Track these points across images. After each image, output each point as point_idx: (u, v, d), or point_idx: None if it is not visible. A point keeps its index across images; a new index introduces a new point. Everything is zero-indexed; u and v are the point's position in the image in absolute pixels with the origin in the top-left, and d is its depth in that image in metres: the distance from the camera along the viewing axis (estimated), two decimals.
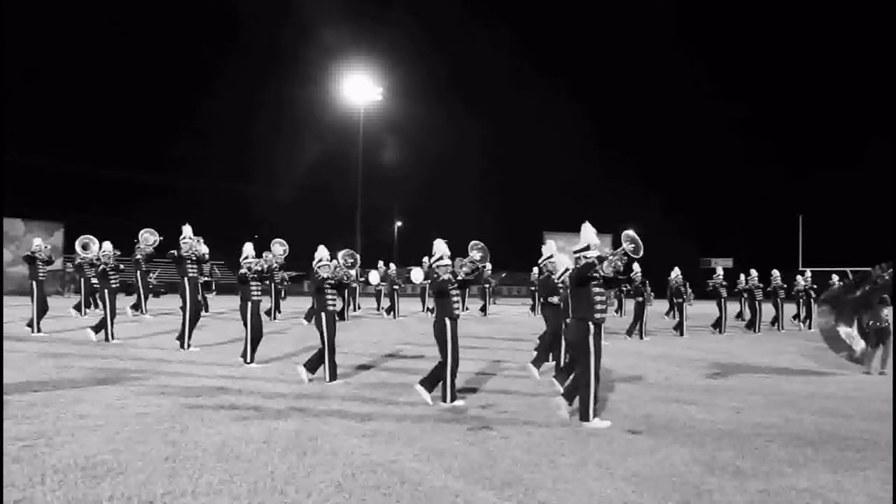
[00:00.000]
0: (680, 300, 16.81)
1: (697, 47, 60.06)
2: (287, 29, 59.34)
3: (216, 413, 6.61)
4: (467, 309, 23.13)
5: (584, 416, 6.38)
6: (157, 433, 5.76)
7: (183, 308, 11.68)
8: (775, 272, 19.36)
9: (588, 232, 6.74)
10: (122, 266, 13.60)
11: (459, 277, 7.47)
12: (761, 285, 18.58)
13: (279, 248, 14.88)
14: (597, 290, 6.50)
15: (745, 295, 19.00)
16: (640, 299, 15.50)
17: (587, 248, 6.60)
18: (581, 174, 55.64)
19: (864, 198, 41.93)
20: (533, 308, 24.49)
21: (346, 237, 33.45)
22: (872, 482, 4.84)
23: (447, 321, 7.28)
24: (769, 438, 6.05)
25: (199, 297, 12.25)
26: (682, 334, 16.37)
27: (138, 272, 17.39)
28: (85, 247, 14.95)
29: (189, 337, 11.48)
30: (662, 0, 61.89)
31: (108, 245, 13.52)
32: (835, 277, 20.71)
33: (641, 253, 6.78)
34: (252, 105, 59.18)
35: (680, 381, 9.26)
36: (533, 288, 25.34)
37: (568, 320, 8.04)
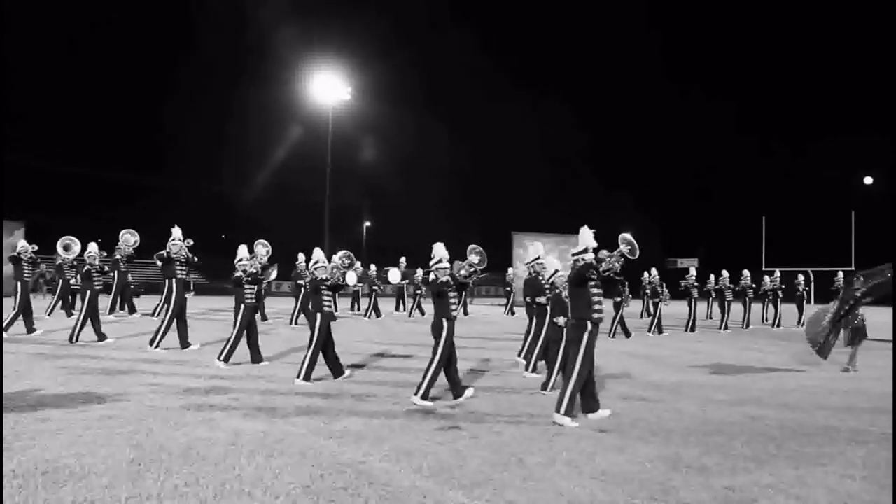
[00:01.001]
0: (656, 300, 17.09)
1: (660, 47, 61.10)
2: (256, 29, 58.79)
3: (182, 415, 6.53)
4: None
5: (557, 408, 6.49)
6: (122, 436, 5.67)
7: (167, 308, 11.61)
8: (746, 272, 19.74)
9: (586, 235, 6.94)
10: (106, 268, 13.55)
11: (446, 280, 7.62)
12: (732, 286, 18.94)
13: (262, 248, 14.81)
14: (595, 290, 6.71)
15: (714, 295, 19.36)
16: (619, 300, 15.69)
17: (585, 250, 6.84)
18: (549, 175, 56.09)
19: (826, 199, 42.88)
20: (511, 309, 24.45)
21: (315, 236, 33.24)
22: (832, 476, 4.96)
23: (444, 322, 7.50)
24: (733, 435, 6.16)
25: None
26: (650, 331, 16.64)
27: (116, 272, 17.29)
28: (67, 248, 14.74)
29: (161, 338, 11.35)
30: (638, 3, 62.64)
31: (93, 246, 13.45)
32: (800, 277, 21.23)
33: (637, 255, 7.00)
34: (221, 105, 58.55)
35: (647, 380, 9.37)
36: (508, 288, 25.30)
37: (555, 320, 8.35)
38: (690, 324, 17.93)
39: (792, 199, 45.45)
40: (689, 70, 59.96)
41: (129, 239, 16.76)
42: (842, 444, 5.89)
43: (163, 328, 11.36)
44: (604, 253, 7.11)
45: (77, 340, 12.00)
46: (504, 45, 68.89)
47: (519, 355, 10.60)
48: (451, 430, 6.14)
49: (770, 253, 38.88)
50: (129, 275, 19.07)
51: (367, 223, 58.71)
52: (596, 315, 6.67)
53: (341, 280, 9.29)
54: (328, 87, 33.80)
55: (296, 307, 17.54)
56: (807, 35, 55.10)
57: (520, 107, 58.09)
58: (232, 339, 9.81)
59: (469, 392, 7.73)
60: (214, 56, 58.18)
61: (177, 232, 12.11)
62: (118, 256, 17.12)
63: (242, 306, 9.93)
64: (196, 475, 4.68)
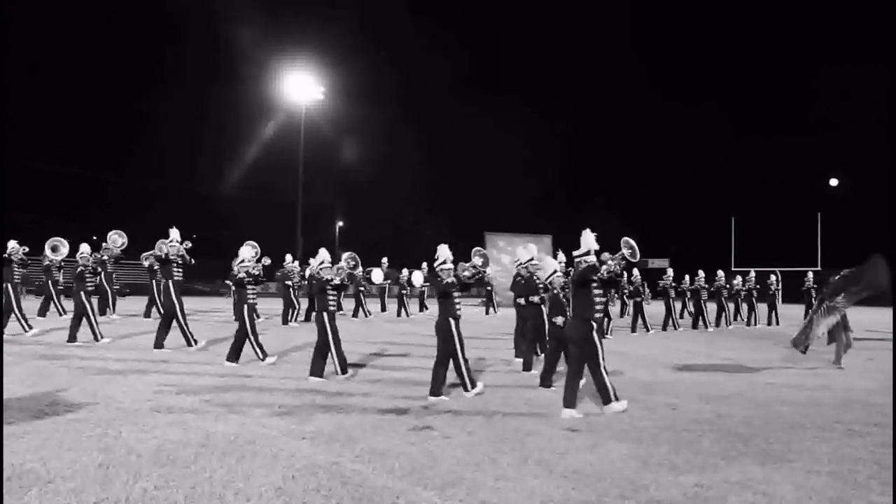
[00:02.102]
0: (638, 299, 17.34)
1: (632, 50, 61.70)
2: (229, 28, 58.23)
3: (152, 417, 6.45)
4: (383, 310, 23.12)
5: (607, 400, 6.96)
6: (90, 439, 5.58)
7: (171, 310, 11.71)
8: (720, 273, 20.09)
9: (588, 238, 7.21)
10: (98, 269, 13.47)
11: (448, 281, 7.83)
12: (706, 286, 19.28)
13: (251, 250, 14.80)
14: (596, 291, 7.09)
15: (689, 294, 19.68)
16: (604, 300, 15.89)
17: (587, 252, 7.15)
18: (521, 175, 56.21)
19: (793, 200, 43.68)
20: (488, 309, 24.43)
21: (288, 236, 33.05)
22: (798, 472, 5.05)
23: (451, 321, 7.75)
24: (703, 433, 6.24)
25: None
26: (648, 330, 17.04)
27: (103, 273, 17.15)
28: (55, 249, 14.52)
29: (190, 336, 11.64)
30: (607, 4, 63.21)
31: (85, 247, 13.39)
32: (772, 277, 21.60)
33: (638, 258, 7.36)
34: (193, 104, 57.99)
35: (619, 379, 9.43)
36: (489, 288, 25.32)
37: (554, 319, 8.67)
38: (673, 323, 18.31)
39: (760, 200, 46.24)
40: (660, 72, 60.63)
41: (116, 240, 16.70)
42: (808, 441, 6.01)
43: (183, 325, 11.61)
44: (605, 255, 7.47)
45: (102, 338, 12.18)
46: (479, 46, 69.18)
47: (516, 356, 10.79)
48: (423, 431, 6.15)
49: (739, 253, 39.51)
50: (114, 275, 18.87)
51: (340, 223, 58.50)
52: (597, 315, 7.08)
53: (346, 280, 9.44)
54: (301, 87, 33.62)
55: (295, 308, 17.57)
56: (776, 38, 56.10)
57: (492, 107, 58.25)
58: (253, 340, 10.01)
59: (446, 398, 7.75)
60: (188, 54, 57.59)
61: (174, 233, 12.21)
62: (105, 257, 17.00)
63: (245, 306, 10.05)
64: (166, 478, 4.63)
